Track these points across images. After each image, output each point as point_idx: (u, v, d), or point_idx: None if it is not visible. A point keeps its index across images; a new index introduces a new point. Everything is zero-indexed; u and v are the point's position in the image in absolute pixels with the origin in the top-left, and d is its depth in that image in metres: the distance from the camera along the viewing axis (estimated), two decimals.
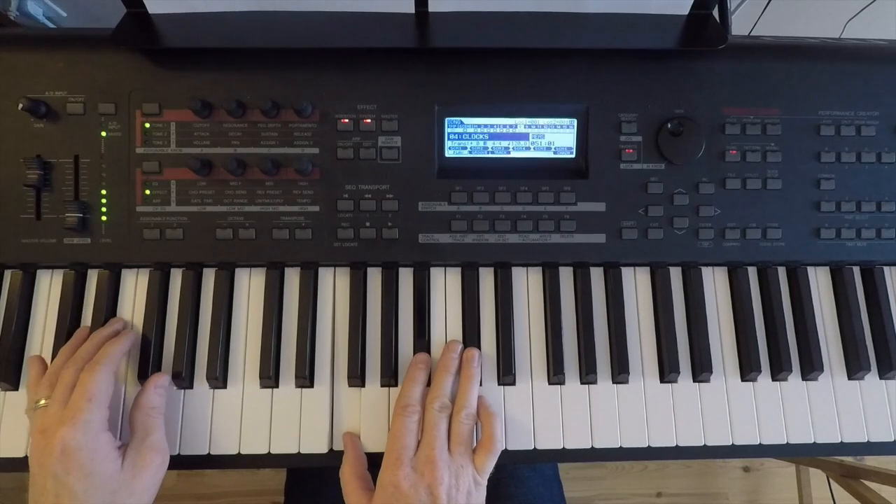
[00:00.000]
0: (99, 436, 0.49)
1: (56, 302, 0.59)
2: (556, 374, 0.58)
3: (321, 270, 0.61)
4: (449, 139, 0.60)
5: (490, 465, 0.55)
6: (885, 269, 0.63)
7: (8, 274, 0.59)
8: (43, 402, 0.51)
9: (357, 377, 0.57)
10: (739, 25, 0.97)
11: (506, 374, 0.58)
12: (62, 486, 0.47)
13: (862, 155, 0.60)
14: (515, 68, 0.59)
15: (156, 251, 0.57)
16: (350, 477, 0.54)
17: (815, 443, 0.59)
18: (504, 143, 0.61)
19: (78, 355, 0.53)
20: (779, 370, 0.59)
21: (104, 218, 0.57)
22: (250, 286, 0.60)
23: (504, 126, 0.60)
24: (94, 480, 0.48)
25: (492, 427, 0.55)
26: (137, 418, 0.53)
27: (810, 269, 0.63)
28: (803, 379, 0.60)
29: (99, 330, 0.56)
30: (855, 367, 0.60)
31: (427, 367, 0.57)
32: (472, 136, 0.60)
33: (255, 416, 0.57)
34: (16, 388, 0.57)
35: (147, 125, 0.57)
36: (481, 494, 0.54)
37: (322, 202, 0.58)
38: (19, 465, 0.55)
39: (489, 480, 0.55)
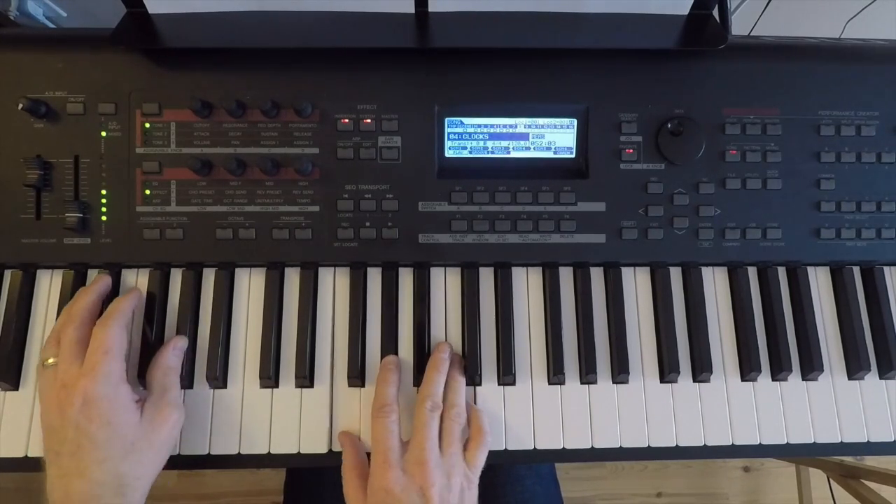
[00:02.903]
0: (119, 386, 0.51)
1: (56, 302, 0.59)
2: (556, 374, 0.58)
3: (321, 270, 0.61)
4: (449, 139, 0.60)
5: (481, 460, 0.54)
6: (885, 269, 0.63)
7: (8, 274, 0.59)
8: (51, 360, 0.52)
9: (357, 377, 0.57)
10: (739, 25, 0.97)
11: (506, 374, 0.58)
12: (83, 434, 0.49)
13: (862, 155, 0.60)
14: (515, 68, 0.59)
15: (156, 251, 0.57)
16: (350, 475, 0.54)
17: (815, 443, 0.59)
18: (504, 143, 0.61)
19: (74, 312, 0.54)
20: (779, 370, 0.59)
21: (104, 218, 0.57)
22: (250, 286, 0.60)
23: (504, 126, 0.60)
24: (114, 429, 0.49)
25: (479, 419, 0.56)
26: (156, 377, 0.54)
27: (810, 269, 0.63)
28: (803, 379, 0.60)
29: (85, 288, 0.57)
30: (855, 367, 0.60)
31: (397, 368, 0.57)
32: (472, 136, 0.60)
33: (255, 416, 0.57)
34: (16, 388, 0.57)
35: (147, 125, 0.57)
36: (473, 493, 0.53)
37: (322, 202, 0.58)
38: (19, 465, 0.56)
39: (485, 480, 0.55)
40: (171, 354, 0.56)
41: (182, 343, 0.57)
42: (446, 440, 0.54)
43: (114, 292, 0.59)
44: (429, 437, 0.53)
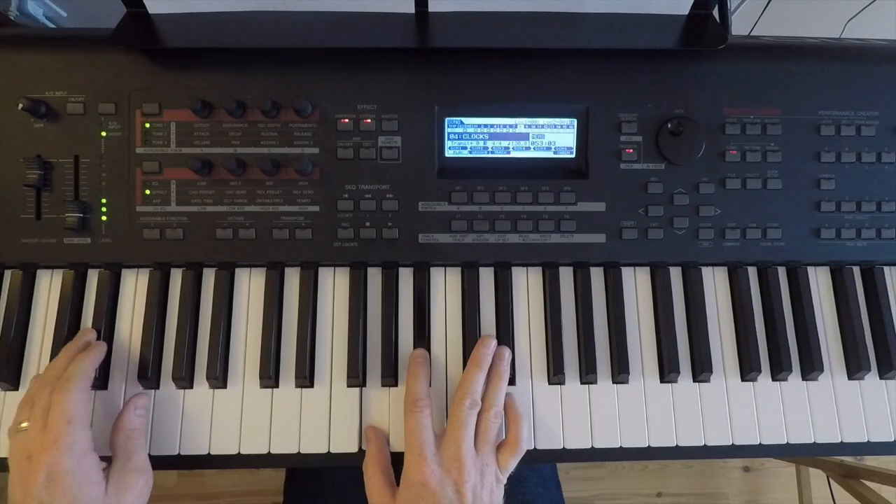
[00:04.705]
0: (84, 458, 0.48)
1: (56, 302, 0.59)
2: (556, 374, 0.58)
3: (321, 270, 0.61)
4: (449, 139, 0.60)
5: (513, 465, 0.55)
6: (885, 269, 0.63)
7: (8, 274, 0.59)
8: (24, 424, 0.49)
9: (357, 377, 0.57)
10: (739, 25, 0.97)
11: None
12: None
13: (862, 155, 0.60)
14: (515, 68, 0.59)
15: (156, 251, 0.57)
16: (373, 471, 0.54)
17: (815, 443, 0.59)
18: (504, 143, 0.61)
19: (49, 374, 0.52)
20: (779, 370, 0.59)
21: (104, 218, 0.57)
22: (250, 286, 0.60)
23: (504, 126, 0.60)
24: None
25: (519, 428, 0.56)
26: (118, 441, 0.52)
27: (810, 269, 0.63)
28: (803, 379, 0.60)
29: (69, 344, 0.55)
30: (855, 367, 0.60)
31: (426, 361, 0.57)
32: (472, 136, 0.60)
33: (255, 416, 0.57)
34: (16, 388, 0.57)
35: (147, 125, 0.57)
36: (501, 492, 0.54)
37: (322, 202, 0.58)
38: None
39: None
40: (133, 415, 0.53)
41: (143, 401, 0.54)
42: (482, 439, 0.54)
43: (113, 292, 0.59)
44: (465, 435, 0.53)
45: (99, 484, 0.48)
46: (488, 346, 0.57)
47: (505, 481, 0.54)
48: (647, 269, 0.62)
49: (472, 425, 0.54)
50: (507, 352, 0.58)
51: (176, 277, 0.60)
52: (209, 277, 0.60)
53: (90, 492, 0.48)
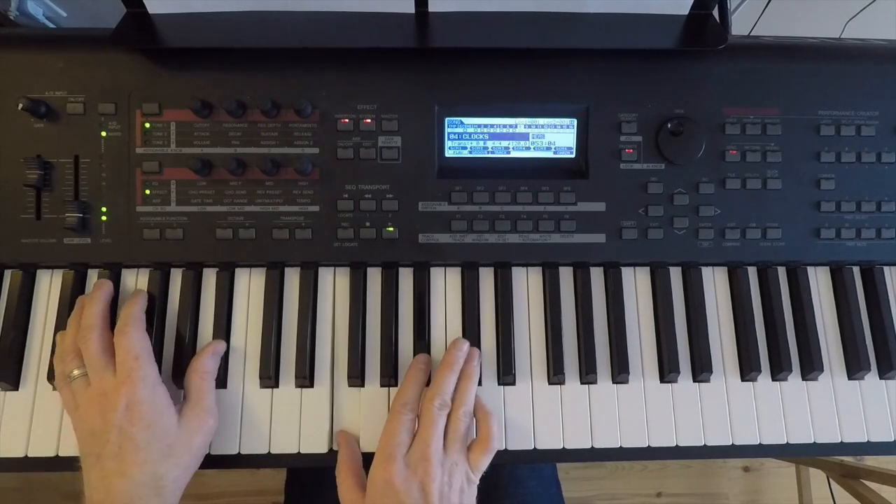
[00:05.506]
0: (156, 388, 0.52)
1: (56, 302, 0.59)
2: (556, 374, 0.58)
3: (321, 270, 0.61)
4: (449, 139, 0.60)
5: (485, 464, 0.55)
6: (885, 269, 0.63)
7: (8, 274, 0.59)
8: (76, 372, 0.53)
9: (357, 377, 0.57)
10: (739, 25, 0.97)
11: (506, 374, 0.58)
12: (126, 437, 0.50)
13: (862, 155, 0.60)
14: (515, 68, 0.59)
15: (156, 251, 0.57)
16: (345, 476, 0.54)
17: (815, 443, 0.59)
18: (504, 143, 0.61)
19: (88, 324, 0.54)
20: (779, 370, 0.59)
21: (104, 218, 0.57)
22: (250, 286, 0.60)
23: (504, 126, 0.60)
24: (154, 432, 0.51)
25: (489, 425, 0.56)
26: (193, 381, 0.55)
27: (810, 269, 0.63)
28: (803, 379, 0.60)
29: (88, 296, 0.56)
30: (855, 367, 0.60)
31: (427, 369, 0.57)
32: (472, 136, 0.60)
33: (255, 416, 0.57)
34: (16, 388, 0.57)
35: (147, 125, 0.57)
36: (473, 492, 0.54)
37: (322, 202, 0.58)
38: (19, 465, 0.56)
39: (487, 481, 0.55)
40: (209, 359, 0.56)
41: (220, 347, 0.57)
42: (451, 438, 0.54)
43: (114, 292, 0.59)
44: (434, 435, 0.53)
45: (172, 416, 0.52)
46: (461, 348, 0.57)
47: (477, 481, 0.54)
48: (647, 269, 0.62)
49: (441, 425, 0.54)
50: (476, 352, 0.58)
51: (176, 277, 0.60)
52: (209, 277, 0.60)
53: (164, 420, 0.51)
